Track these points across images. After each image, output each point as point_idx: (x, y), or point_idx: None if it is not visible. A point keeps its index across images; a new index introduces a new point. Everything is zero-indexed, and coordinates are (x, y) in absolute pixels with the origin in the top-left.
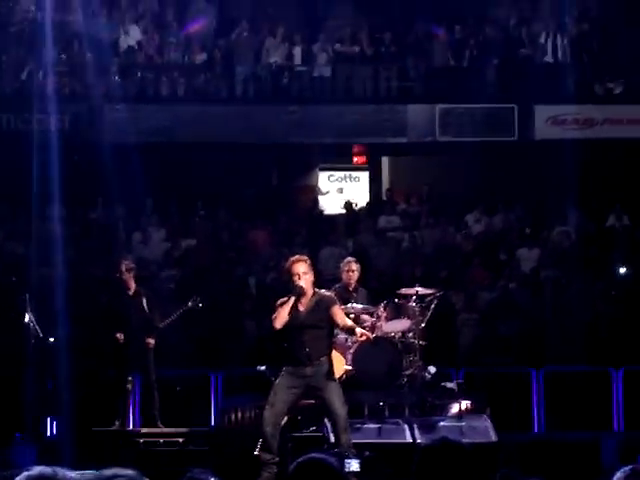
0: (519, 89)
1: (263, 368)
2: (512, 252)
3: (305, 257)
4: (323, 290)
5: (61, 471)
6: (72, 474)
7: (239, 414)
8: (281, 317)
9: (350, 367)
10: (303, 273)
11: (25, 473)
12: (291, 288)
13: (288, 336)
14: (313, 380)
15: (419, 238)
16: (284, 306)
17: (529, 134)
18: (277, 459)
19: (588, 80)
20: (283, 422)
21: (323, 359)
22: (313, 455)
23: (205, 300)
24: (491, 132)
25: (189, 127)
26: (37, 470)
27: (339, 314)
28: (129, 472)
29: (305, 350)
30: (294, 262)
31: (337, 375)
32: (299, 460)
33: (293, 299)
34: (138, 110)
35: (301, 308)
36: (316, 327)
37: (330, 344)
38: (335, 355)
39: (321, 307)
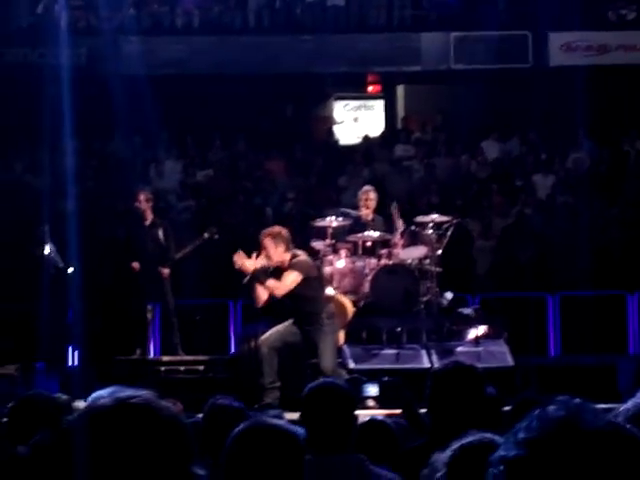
0: (533, 16)
1: None
2: (528, 178)
3: (272, 230)
4: (300, 255)
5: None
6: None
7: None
8: (257, 299)
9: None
10: (264, 249)
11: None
12: None
13: (283, 301)
14: (309, 337)
15: (434, 166)
16: (256, 288)
17: (543, 61)
18: (278, 383)
19: (601, 6)
20: (278, 346)
21: (315, 318)
22: (325, 380)
23: (222, 230)
24: (505, 59)
25: (203, 58)
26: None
27: (283, 278)
28: (144, 393)
29: (298, 314)
30: (261, 237)
31: (348, 317)
32: (311, 385)
33: (257, 285)
34: (152, 42)
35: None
36: (299, 294)
37: (320, 299)
38: (340, 300)
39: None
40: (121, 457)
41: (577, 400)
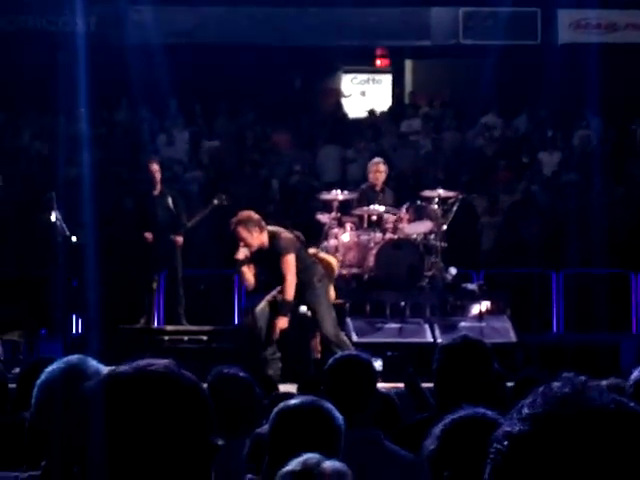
0: None
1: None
2: (534, 155)
3: (241, 217)
4: (278, 233)
5: (91, 362)
6: (100, 366)
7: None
8: (246, 283)
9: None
10: (240, 240)
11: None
12: None
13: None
14: (305, 303)
15: (441, 141)
16: (243, 275)
17: (552, 38)
18: (279, 354)
19: None
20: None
21: (308, 284)
22: (348, 352)
23: (229, 199)
24: (514, 36)
25: (212, 29)
26: (68, 359)
27: (284, 266)
28: (165, 361)
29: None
30: (232, 228)
31: (334, 272)
32: (335, 357)
33: (243, 269)
34: (162, 12)
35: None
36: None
37: (310, 266)
38: (324, 257)
39: (274, 257)
40: (140, 426)
41: (582, 377)
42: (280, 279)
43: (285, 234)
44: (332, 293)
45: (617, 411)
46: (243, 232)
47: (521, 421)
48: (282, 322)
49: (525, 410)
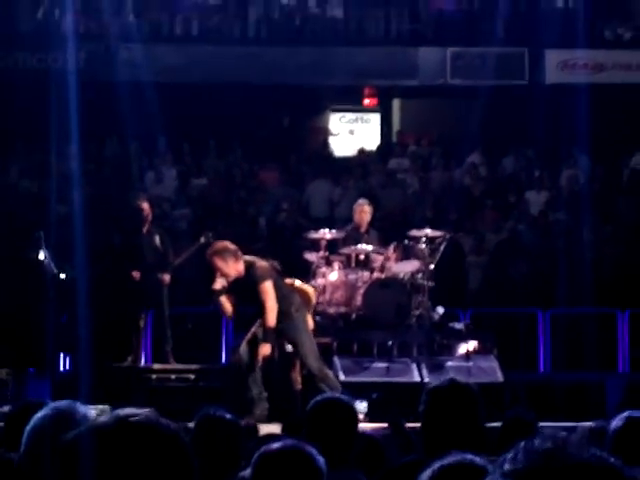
0: (530, 33)
1: None
2: (521, 194)
3: (216, 248)
4: (253, 262)
5: (80, 407)
6: (89, 411)
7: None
8: (225, 313)
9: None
10: (217, 270)
11: (50, 406)
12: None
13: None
14: (284, 335)
15: (429, 180)
16: (222, 305)
17: (540, 78)
18: (265, 394)
19: (598, 25)
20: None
21: (287, 314)
22: (329, 394)
23: (217, 238)
24: (502, 76)
25: (202, 67)
26: (57, 405)
27: (262, 294)
28: (145, 411)
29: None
30: (208, 259)
31: (312, 301)
32: (316, 399)
33: (221, 299)
34: (152, 50)
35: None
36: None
37: (287, 295)
38: (301, 287)
39: (251, 286)
40: (123, 476)
41: (563, 433)
42: (260, 308)
43: (261, 263)
44: (310, 322)
45: (597, 466)
46: (219, 262)
47: (503, 476)
48: (265, 349)
49: (507, 466)
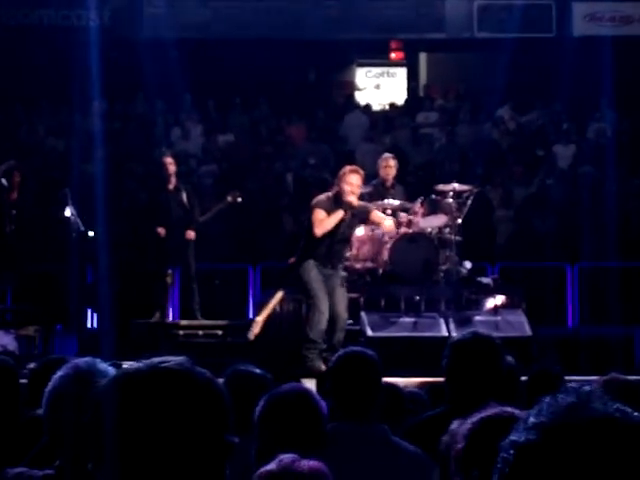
0: None
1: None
2: (549, 148)
3: (358, 168)
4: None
5: (100, 365)
6: (109, 368)
7: (276, 307)
8: (324, 228)
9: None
10: (357, 186)
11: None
12: (340, 198)
13: (320, 239)
14: (329, 281)
15: (456, 134)
16: (331, 219)
17: (567, 31)
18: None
19: None
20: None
21: (341, 266)
22: (353, 348)
23: (243, 195)
24: (529, 28)
25: (227, 23)
26: (76, 363)
27: (376, 217)
28: (179, 358)
29: (331, 257)
30: (350, 172)
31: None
32: (340, 353)
33: (341, 214)
34: (176, 5)
35: (342, 221)
36: (346, 239)
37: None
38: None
39: (356, 219)
40: (155, 424)
41: (587, 387)
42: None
43: None
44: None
45: (621, 420)
46: (360, 179)
47: (527, 430)
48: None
49: (531, 419)
